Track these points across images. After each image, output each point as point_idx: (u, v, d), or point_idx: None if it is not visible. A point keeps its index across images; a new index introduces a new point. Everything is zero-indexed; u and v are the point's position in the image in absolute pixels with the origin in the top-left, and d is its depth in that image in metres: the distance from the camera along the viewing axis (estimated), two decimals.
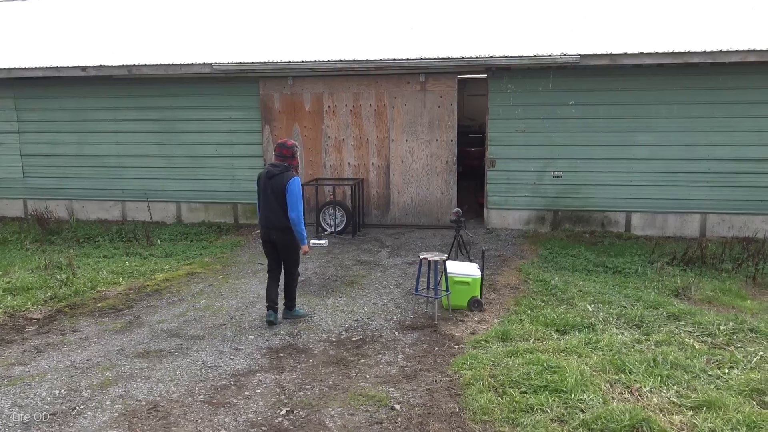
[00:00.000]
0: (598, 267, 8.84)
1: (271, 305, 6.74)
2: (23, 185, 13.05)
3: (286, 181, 6.42)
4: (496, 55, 10.47)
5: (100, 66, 11.77)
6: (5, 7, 16.07)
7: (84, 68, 11.81)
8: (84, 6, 15.47)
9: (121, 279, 8.51)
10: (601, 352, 5.66)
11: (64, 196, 12.91)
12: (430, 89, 11.34)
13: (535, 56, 10.31)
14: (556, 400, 4.73)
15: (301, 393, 5.07)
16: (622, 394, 4.87)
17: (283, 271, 6.85)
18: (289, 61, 11.14)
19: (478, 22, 12.08)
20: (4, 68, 12.11)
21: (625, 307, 6.93)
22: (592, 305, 7.04)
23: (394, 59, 10.78)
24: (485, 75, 11.17)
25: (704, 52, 9.86)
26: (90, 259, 9.63)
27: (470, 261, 8.24)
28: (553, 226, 11.27)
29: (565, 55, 10.22)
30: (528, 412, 4.61)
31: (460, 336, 6.34)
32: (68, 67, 11.89)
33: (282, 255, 6.73)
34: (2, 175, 13.08)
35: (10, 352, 6.03)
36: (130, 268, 8.98)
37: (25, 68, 12.03)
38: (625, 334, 6.16)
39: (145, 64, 11.62)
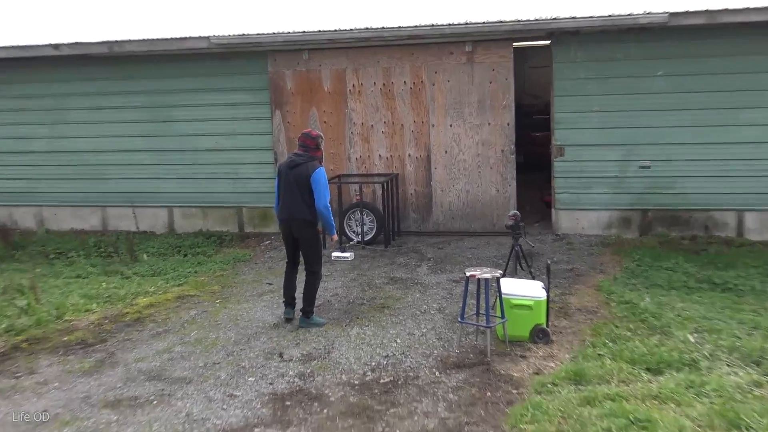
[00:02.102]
0: (701, 283, 8.49)
1: (289, 301, 7.48)
2: None
3: (311, 171, 7.08)
4: (561, 17, 10.21)
5: (76, 43, 11.86)
6: None
7: (56, 46, 11.86)
8: None
9: (95, 305, 8.47)
10: (707, 400, 5.29)
11: (33, 201, 13.01)
12: (478, 61, 11.05)
13: (610, 16, 10.03)
14: None
15: None
16: None
17: (304, 272, 7.39)
18: (304, 32, 11.02)
19: None
20: None
21: (739, 337, 6.54)
22: (695, 335, 6.67)
23: (433, 25, 10.60)
24: (548, 42, 10.84)
25: None
26: (60, 279, 9.66)
27: (533, 278, 8.00)
28: (642, 230, 10.87)
29: (648, 13, 9.89)
30: None
31: (520, 377, 6.03)
32: (38, 45, 12.00)
33: (303, 251, 7.38)
34: None
35: None
36: (107, 291, 8.96)
37: None
38: (740, 374, 5.76)
39: (129, 40, 11.66)
